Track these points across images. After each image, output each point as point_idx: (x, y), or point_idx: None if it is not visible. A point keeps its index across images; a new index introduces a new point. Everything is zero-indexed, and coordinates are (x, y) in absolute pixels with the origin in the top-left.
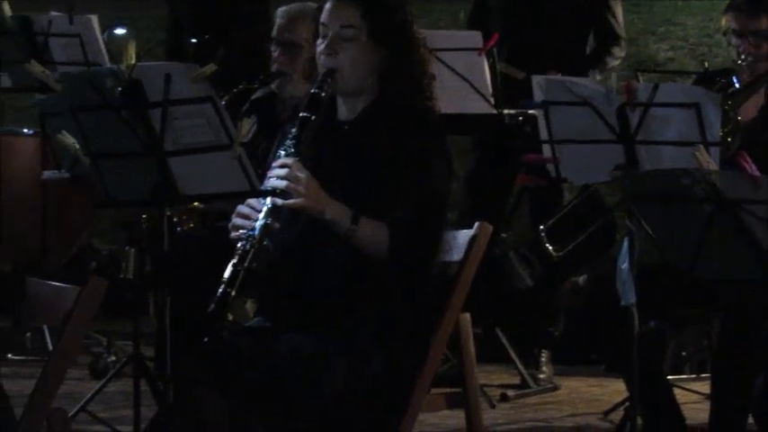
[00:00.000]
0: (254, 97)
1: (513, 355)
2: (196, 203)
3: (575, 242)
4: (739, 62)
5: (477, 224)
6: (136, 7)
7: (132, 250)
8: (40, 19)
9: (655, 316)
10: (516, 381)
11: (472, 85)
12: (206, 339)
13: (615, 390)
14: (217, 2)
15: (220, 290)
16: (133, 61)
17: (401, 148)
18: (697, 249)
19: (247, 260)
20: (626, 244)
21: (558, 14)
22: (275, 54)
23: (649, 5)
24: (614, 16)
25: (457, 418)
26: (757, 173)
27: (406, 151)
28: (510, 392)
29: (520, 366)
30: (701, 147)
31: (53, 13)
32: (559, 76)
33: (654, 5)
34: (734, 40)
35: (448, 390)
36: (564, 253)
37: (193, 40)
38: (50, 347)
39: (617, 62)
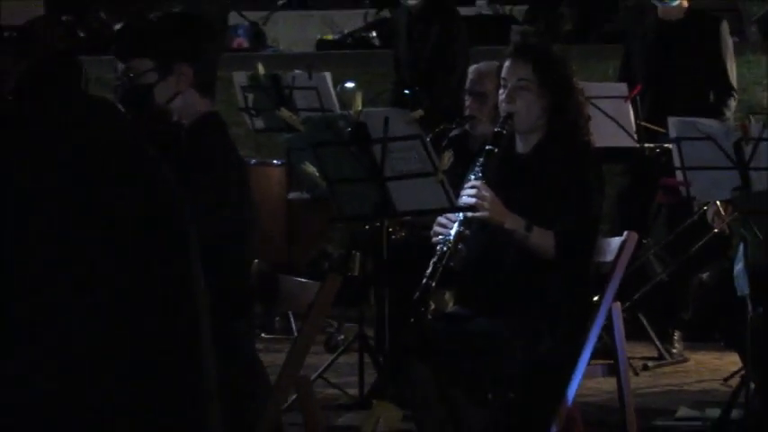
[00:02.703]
0: (451, 135)
1: (652, 333)
2: (407, 217)
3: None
4: None
5: (625, 233)
6: (361, 66)
7: (357, 254)
8: (286, 76)
9: (763, 304)
10: (654, 354)
11: (620, 125)
12: (412, 320)
13: (732, 361)
14: (421, 62)
15: (423, 282)
16: (360, 108)
17: (565, 173)
18: None
19: (444, 259)
20: (741, 248)
21: (686, 71)
22: (468, 102)
23: (757, 61)
24: (730, 71)
25: (609, 383)
26: None
27: (569, 176)
28: (650, 363)
29: (657, 343)
30: None
31: (296, 71)
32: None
33: (761, 61)
34: None
35: (602, 361)
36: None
37: (406, 91)
38: (294, 328)
39: (731, 112)
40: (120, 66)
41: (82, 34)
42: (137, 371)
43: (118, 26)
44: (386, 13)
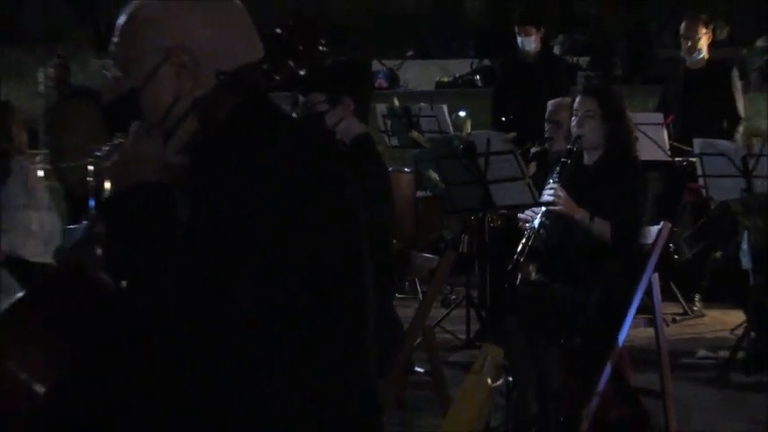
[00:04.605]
0: (534, 151)
1: (678, 295)
2: (503, 210)
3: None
4: None
5: (662, 223)
6: (468, 101)
7: (466, 236)
8: (414, 107)
9: (763, 274)
10: (680, 310)
11: (658, 145)
12: (506, 286)
13: (738, 316)
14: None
15: (514, 258)
16: (469, 131)
17: (620, 180)
18: None
19: (530, 241)
20: (746, 233)
21: (707, 106)
22: (547, 127)
23: (757, 98)
24: (738, 105)
25: (648, 332)
26: None
27: (623, 182)
28: (677, 317)
29: (683, 302)
30: None
31: (421, 104)
32: (709, 139)
33: (759, 98)
34: None
35: (644, 316)
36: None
37: (503, 119)
38: (419, 290)
39: (739, 135)
40: (301, 98)
41: (277, 78)
42: (316, 362)
43: (302, 72)
44: (486, 62)
